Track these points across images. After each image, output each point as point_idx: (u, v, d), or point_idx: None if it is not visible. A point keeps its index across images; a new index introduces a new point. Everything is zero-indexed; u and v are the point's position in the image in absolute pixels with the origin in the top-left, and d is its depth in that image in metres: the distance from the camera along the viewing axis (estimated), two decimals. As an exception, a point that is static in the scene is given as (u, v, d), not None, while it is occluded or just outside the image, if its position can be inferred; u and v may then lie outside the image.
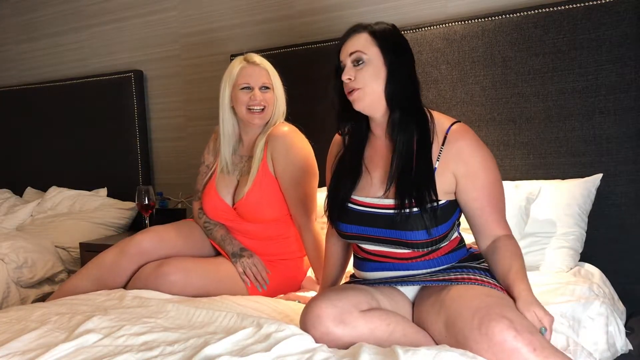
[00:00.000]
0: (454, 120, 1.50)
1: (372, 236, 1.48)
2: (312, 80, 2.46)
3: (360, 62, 1.47)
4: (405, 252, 1.47)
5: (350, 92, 1.48)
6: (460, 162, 1.44)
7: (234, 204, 2.03)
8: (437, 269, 1.49)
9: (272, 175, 1.99)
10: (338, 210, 1.52)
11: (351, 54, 1.48)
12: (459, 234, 1.55)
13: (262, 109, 2.01)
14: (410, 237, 1.42)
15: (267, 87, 2.02)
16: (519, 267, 1.39)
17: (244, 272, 1.97)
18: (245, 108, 2.00)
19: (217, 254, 2.10)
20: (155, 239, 1.99)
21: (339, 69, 1.52)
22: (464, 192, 1.45)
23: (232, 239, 2.04)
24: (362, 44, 1.48)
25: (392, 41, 1.50)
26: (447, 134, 1.47)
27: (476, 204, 1.45)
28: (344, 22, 2.68)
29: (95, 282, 1.97)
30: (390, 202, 1.45)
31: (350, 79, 1.47)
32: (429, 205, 1.40)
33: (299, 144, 1.99)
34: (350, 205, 1.50)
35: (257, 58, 2.05)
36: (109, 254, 2.00)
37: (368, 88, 1.46)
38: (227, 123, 2.06)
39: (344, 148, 1.59)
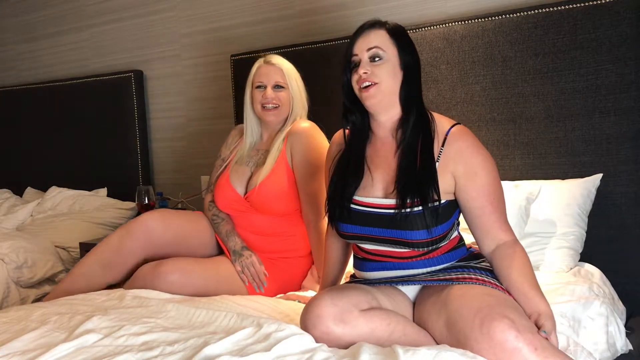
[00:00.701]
0: (454, 122, 1.51)
1: (372, 236, 1.48)
2: (312, 80, 2.45)
3: (378, 58, 1.47)
4: (405, 251, 1.47)
5: (365, 87, 1.47)
6: (459, 162, 1.44)
7: (245, 193, 2.04)
8: (438, 268, 1.49)
9: (289, 168, 2.01)
10: (339, 211, 1.52)
11: (369, 49, 1.47)
12: (459, 233, 1.55)
13: (276, 107, 2.04)
14: (411, 236, 1.42)
15: (281, 86, 2.05)
16: (532, 277, 1.39)
17: (242, 271, 1.97)
18: (260, 106, 2.06)
19: (220, 248, 2.11)
20: (160, 219, 2.01)
21: (350, 63, 1.51)
22: (464, 192, 1.45)
23: (236, 236, 2.05)
24: (381, 40, 1.48)
25: (408, 42, 1.51)
26: (447, 135, 1.47)
27: (476, 203, 1.44)
28: (344, 22, 2.68)
29: (102, 265, 1.98)
30: (391, 201, 1.45)
31: (366, 72, 1.46)
32: (430, 205, 1.40)
33: (318, 140, 2.01)
34: (351, 205, 1.50)
35: (275, 58, 2.09)
36: (115, 235, 2.02)
37: (384, 84, 1.46)
38: (248, 121, 2.12)
39: (345, 147, 1.59)
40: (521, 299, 1.36)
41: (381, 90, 1.46)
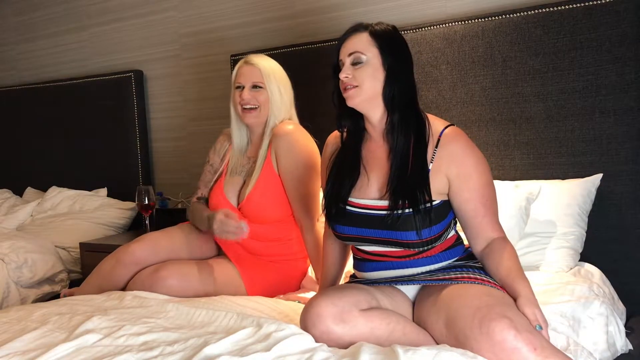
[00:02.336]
0: (448, 123, 1.51)
1: (367, 237, 1.49)
2: (312, 80, 2.46)
3: (359, 62, 1.48)
4: (401, 250, 1.48)
5: (346, 89, 1.48)
6: (452, 164, 1.45)
7: (238, 204, 2.04)
8: (436, 266, 1.49)
9: (276, 175, 1.99)
10: (335, 211, 1.52)
11: (350, 54, 1.49)
12: (456, 232, 1.56)
13: (254, 108, 2.01)
14: (404, 237, 1.43)
15: (259, 87, 2.02)
16: (518, 267, 1.41)
17: (220, 234, 1.89)
18: (240, 107, 2.03)
19: (217, 255, 2.11)
20: (149, 248, 1.98)
21: (337, 67, 1.53)
22: (457, 194, 1.46)
23: (203, 210, 2.02)
24: (362, 44, 1.49)
25: (392, 43, 1.51)
26: (440, 136, 1.48)
27: (469, 205, 1.45)
28: (343, 22, 2.67)
29: (98, 290, 1.97)
30: (385, 203, 1.45)
31: (347, 76, 1.48)
32: (422, 206, 1.41)
33: (303, 142, 1.99)
34: (347, 207, 1.51)
35: (255, 58, 2.05)
36: (107, 263, 2.00)
37: (364, 86, 1.47)
38: (234, 125, 2.10)
39: (341, 147, 1.60)
40: (505, 285, 1.38)
41: (362, 92, 1.47)
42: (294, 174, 1.96)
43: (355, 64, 1.48)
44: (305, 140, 2.00)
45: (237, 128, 2.10)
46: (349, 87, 1.48)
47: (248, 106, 2.01)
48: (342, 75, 1.49)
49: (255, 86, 2.02)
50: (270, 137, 2.01)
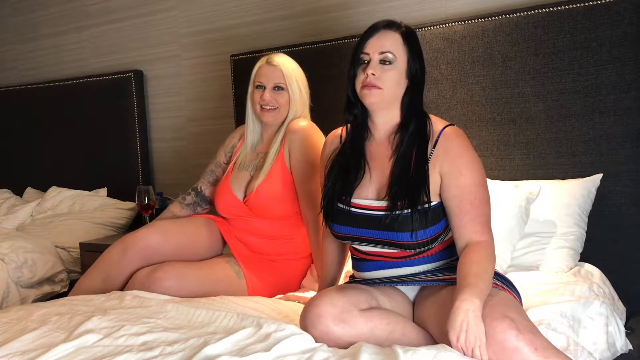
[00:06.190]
0: (448, 123, 1.51)
1: (364, 237, 1.49)
2: (312, 80, 2.45)
3: (388, 62, 1.47)
4: (398, 251, 1.47)
5: (368, 87, 1.46)
6: (446, 161, 1.45)
7: (245, 197, 2.04)
8: (434, 265, 1.49)
9: (287, 170, 2.01)
10: (333, 211, 1.52)
11: (382, 52, 1.47)
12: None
13: (274, 109, 2.03)
14: (398, 237, 1.43)
15: (280, 88, 2.03)
16: (477, 273, 1.30)
17: None
18: (258, 106, 2.04)
19: (218, 255, 2.11)
20: (159, 234, 1.98)
21: (359, 59, 1.50)
22: (446, 190, 1.44)
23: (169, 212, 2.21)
24: (396, 45, 1.48)
25: (418, 49, 1.51)
26: (439, 136, 1.48)
27: (455, 201, 1.43)
28: (344, 22, 2.68)
29: (104, 279, 1.96)
30: (383, 204, 1.45)
31: (374, 74, 1.46)
32: (420, 207, 1.40)
33: (315, 139, 2.00)
34: (344, 207, 1.51)
35: (278, 59, 2.05)
36: (114, 251, 1.98)
37: (387, 90, 1.47)
38: (249, 120, 2.11)
39: (344, 144, 1.59)
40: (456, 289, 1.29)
41: (383, 95, 1.47)
42: (305, 169, 1.97)
43: (384, 62, 1.47)
44: (318, 137, 2.02)
45: (252, 124, 2.11)
46: (372, 86, 1.46)
47: (268, 107, 2.03)
48: (369, 71, 1.46)
49: (276, 87, 2.03)
50: (283, 132, 2.03)
